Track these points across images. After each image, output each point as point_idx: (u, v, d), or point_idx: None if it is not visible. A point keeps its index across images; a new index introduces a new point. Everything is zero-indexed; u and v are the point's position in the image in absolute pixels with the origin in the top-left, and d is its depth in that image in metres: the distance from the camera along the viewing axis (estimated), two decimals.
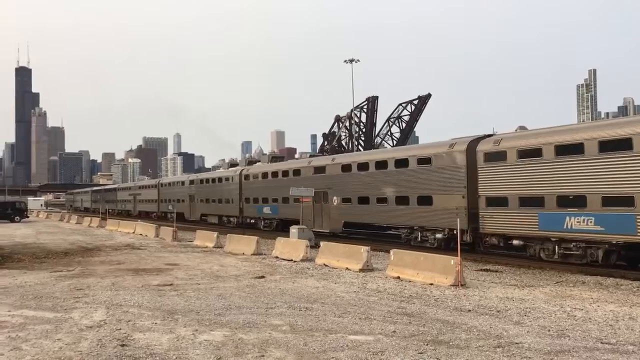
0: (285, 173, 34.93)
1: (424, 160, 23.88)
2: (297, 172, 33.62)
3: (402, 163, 25.22)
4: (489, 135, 21.74)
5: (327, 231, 29.54)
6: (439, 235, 22.86)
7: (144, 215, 64.46)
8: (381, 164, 26.68)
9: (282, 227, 33.98)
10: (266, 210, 36.63)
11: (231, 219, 42.85)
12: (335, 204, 29.32)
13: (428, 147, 25.11)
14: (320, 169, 31.51)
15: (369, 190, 27.17)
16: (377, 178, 26.67)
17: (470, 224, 21.16)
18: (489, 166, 20.54)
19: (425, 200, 23.58)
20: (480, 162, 20.80)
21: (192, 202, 50.56)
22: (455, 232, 19.54)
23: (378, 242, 26.29)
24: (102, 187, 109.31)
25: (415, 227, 24.49)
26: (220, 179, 45.40)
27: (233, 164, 52.25)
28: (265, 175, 37.63)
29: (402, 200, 24.95)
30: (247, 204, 39.69)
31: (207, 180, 48.59)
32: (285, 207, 33.97)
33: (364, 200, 27.57)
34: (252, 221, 39.49)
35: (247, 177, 40.21)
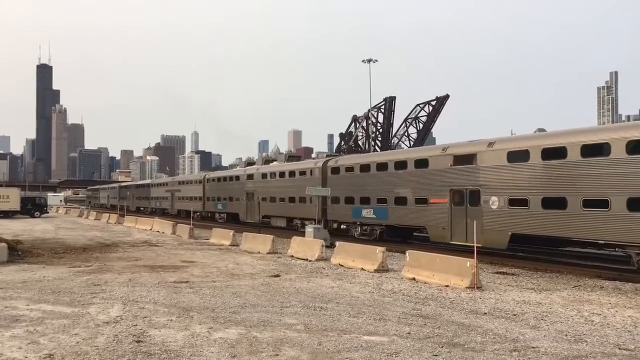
0: (400, 164, 26.72)
1: None
2: (422, 162, 25.24)
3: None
4: None
5: (480, 245, 19.20)
6: None
7: (185, 215, 55.38)
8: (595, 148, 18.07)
9: (390, 236, 27.64)
10: (367, 213, 28.69)
11: (307, 222, 32.81)
12: (494, 206, 21.05)
13: None
14: (465, 158, 22.83)
15: (571, 187, 18.45)
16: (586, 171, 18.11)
17: None
18: None
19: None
20: None
21: (250, 201, 42.15)
22: None
23: (393, 243, 26.17)
24: (132, 183, 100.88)
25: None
26: (292, 173, 37.08)
27: (250, 163, 52.26)
28: (365, 167, 29.45)
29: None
30: (335, 204, 31.65)
31: (273, 175, 39.65)
32: (399, 209, 26.30)
33: (554, 203, 18.96)
34: (344, 227, 31.22)
35: (335, 170, 32.20)
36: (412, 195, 25.30)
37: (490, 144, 21.75)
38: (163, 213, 64.01)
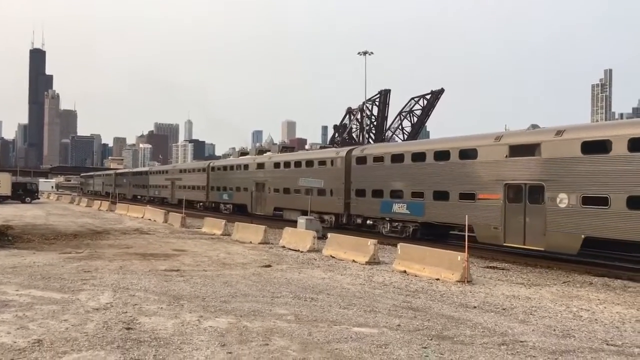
0: (441, 155, 23.70)
1: None
2: (469, 152, 22.43)
3: None
4: None
5: (542, 249, 19.07)
6: None
7: (187, 205, 49.10)
8: None
9: (425, 235, 24.95)
10: (398, 208, 25.85)
11: (325, 217, 31.66)
12: (562, 205, 18.31)
13: None
14: (524, 149, 20.09)
15: None
16: None
17: None
18: None
19: None
20: None
21: (260, 192, 39.34)
22: None
23: (385, 236, 26.22)
24: (129, 170, 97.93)
25: None
26: (310, 162, 34.13)
27: (243, 153, 52.00)
28: (398, 157, 26.42)
29: None
30: (360, 197, 28.92)
31: (288, 164, 36.72)
32: (439, 205, 23.57)
33: None
34: (370, 222, 28.38)
35: (361, 159, 29.27)
36: (455, 189, 22.52)
37: (559, 132, 18.98)
38: (162, 202, 61.14)
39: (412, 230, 25.39)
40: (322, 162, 32.89)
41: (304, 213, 32.27)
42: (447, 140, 24.45)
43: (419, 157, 24.99)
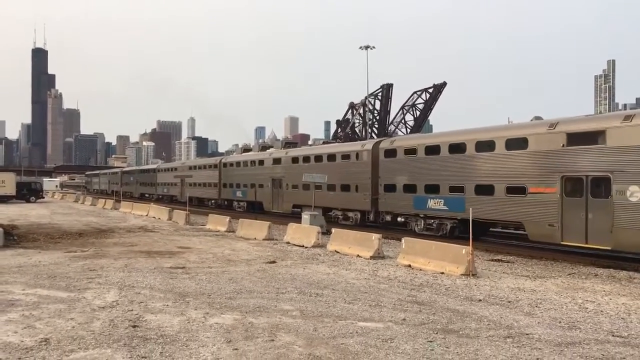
0: (485, 145, 21.75)
1: None
2: (517, 142, 20.41)
3: None
4: None
5: (608, 248, 17.20)
6: None
7: (197, 203, 51.78)
8: None
9: (463, 232, 22.34)
10: (435, 204, 23.85)
11: (350, 213, 30.29)
12: (635, 199, 16.58)
13: None
14: (586, 137, 18.25)
15: None
16: None
17: None
18: None
19: None
20: None
21: (278, 189, 37.49)
22: None
23: (390, 230, 26.21)
24: (136, 168, 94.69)
25: None
26: (332, 157, 32.07)
27: (247, 149, 51.98)
28: (433, 148, 24.38)
29: None
30: (390, 193, 26.91)
31: (307, 159, 34.82)
32: (482, 200, 21.32)
33: None
34: (401, 219, 26.61)
35: (390, 152, 27.19)
36: (501, 183, 20.66)
37: (628, 117, 17.09)
38: (171, 200, 59.38)
39: (450, 228, 23.45)
40: (346, 156, 30.84)
41: (326, 210, 31.21)
42: (490, 130, 22.64)
43: (457, 148, 22.96)
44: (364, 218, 29.33)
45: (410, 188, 25.53)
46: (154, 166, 78.87)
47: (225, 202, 47.52)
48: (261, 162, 41.13)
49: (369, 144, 29.77)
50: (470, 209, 17.36)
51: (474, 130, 23.58)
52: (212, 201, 50.17)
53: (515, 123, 23.22)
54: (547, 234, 18.92)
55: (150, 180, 71.75)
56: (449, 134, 24.73)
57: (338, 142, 53.30)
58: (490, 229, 24.78)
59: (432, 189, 24.10)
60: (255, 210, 41.63)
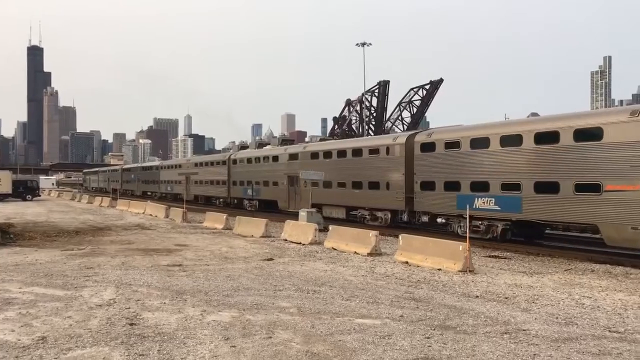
0: (546, 137, 19.24)
1: None
2: (589, 133, 17.92)
3: None
4: None
5: None
6: None
7: (205, 202, 50.83)
8: None
9: (516, 235, 21.22)
10: (483, 203, 21.21)
11: (379, 213, 27.73)
12: None
13: None
14: None
15: None
16: None
17: None
18: None
19: None
20: None
21: (294, 186, 34.68)
22: None
23: (387, 227, 26.19)
24: (138, 165, 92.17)
25: None
26: (357, 151, 29.38)
27: (243, 146, 51.78)
28: (481, 141, 21.66)
29: None
30: (427, 191, 24.17)
31: (328, 154, 31.82)
32: (544, 199, 19.00)
33: None
34: (440, 220, 23.77)
35: (427, 146, 24.30)
36: (568, 179, 18.23)
37: None
38: (175, 199, 56.50)
39: (502, 230, 20.98)
40: (374, 151, 28.02)
41: (350, 210, 29.67)
42: (552, 119, 20.03)
43: (511, 140, 20.40)
44: (395, 218, 26.96)
45: (452, 186, 22.82)
46: (157, 163, 76.82)
47: (235, 201, 45.20)
48: (275, 158, 38.42)
49: (401, 138, 26.92)
50: (468, 207, 17.03)
51: (531, 120, 21.54)
52: (221, 200, 48.09)
53: (586, 111, 20.58)
54: (630, 239, 16.53)
55: (153, 178, 69.53)
56: (500, 124, 22.44)
57: (335, 139, 52.32)
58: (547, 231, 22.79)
59: (480, 187, 21.50)
60: (268, 209, 39.18)
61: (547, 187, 18.96)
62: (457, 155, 22.64)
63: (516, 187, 19.99)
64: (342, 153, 30.76)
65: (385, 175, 26.99)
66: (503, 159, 20.59)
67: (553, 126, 19.20)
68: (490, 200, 21.05)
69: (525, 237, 21.28)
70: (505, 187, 20.42)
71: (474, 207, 21.14)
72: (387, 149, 27.16)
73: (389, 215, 27.11)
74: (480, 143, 21.70)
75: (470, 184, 21.90)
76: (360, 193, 28.61)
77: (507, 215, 20.55)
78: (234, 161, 45.49)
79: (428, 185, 24.17)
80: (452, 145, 23.01)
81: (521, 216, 19.83)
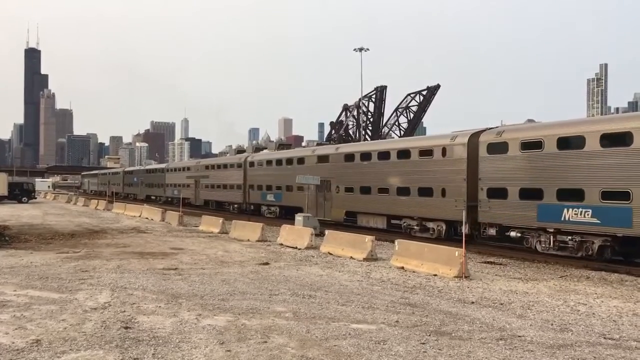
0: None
1: None
2: None
3: None
4: None
5: None
6: None
7: (217, 208, 47.51)
8: None
9: (616, 254, 17.82)
10: (574, 214, 17.77)
11: (430, 224, 24.07)
12: None
13: None
14: None
15: None
16: None
17: None
18: None
19: None
20: None
21: (324, 192, 31.07)
22: None
23: (383, 232, 26.20)
24: (141, 168, 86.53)
25: None
26: (404, 153, 25.67)
27: (240, 150, 51.64)
28: (572, 141, 18.34)
29: None
30: (497, 199, 20.64)
31: (367, 156, 28.29)
32: None
33: None
34: (515, 234, 20.21)
35: (497, 147, 20.80)
36: None
37: None
38: (183, 204, 48.15)
39: (599, 248, 17.53)
40: (426, 152, 24.29)
41: (392, 218, 26.45)
42: None
43: (616, 139, 17.03)
44: (450, 230, 23.43)
45: (531, 193, 19.34)
46: (163, 166, 72.41)
47: (252, 207, 41.50)
48: (300, 160, 34.73)
49: (461, 137, 22.87)
50: (464, 212, 16.78)
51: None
52: (235, 205, 44.35)
53: None
54: None
55: (158, 182, 65.13)
56: (599, 120, 19.53)
57: (332, 144, 50.82)
58: None
59: (571, 195, 18.11)
60: (290, 216, 32.48)
61: None
62: (539, 157, 19.29)
63: (624, 195, 16.59)
64: (384, 155, 27.04)
65: (440, 180, 23.33)
66: (604, 162, 17.21)
67: None
68: (585, 212, 17.61)
69: (626, 255, 17.98)
70: (608, 195, 17.03)
71: (562, 219, 18.29)
72: (444, 149, 23.35)
73: (444, 227, 23.44)
74: (571, 143, 18.48)
75: (557, 192, 18.55)
76: (408, 200, 25.03)
77: (609, 230, 17.09)
78: (251, 163, 41.78)
79: (497, 193, 20.64)
80: (531, 145, 19.64)
81: (631, 231, 16.40)
